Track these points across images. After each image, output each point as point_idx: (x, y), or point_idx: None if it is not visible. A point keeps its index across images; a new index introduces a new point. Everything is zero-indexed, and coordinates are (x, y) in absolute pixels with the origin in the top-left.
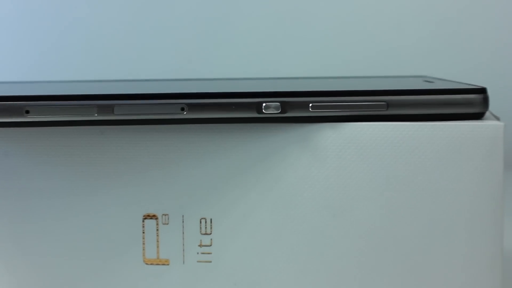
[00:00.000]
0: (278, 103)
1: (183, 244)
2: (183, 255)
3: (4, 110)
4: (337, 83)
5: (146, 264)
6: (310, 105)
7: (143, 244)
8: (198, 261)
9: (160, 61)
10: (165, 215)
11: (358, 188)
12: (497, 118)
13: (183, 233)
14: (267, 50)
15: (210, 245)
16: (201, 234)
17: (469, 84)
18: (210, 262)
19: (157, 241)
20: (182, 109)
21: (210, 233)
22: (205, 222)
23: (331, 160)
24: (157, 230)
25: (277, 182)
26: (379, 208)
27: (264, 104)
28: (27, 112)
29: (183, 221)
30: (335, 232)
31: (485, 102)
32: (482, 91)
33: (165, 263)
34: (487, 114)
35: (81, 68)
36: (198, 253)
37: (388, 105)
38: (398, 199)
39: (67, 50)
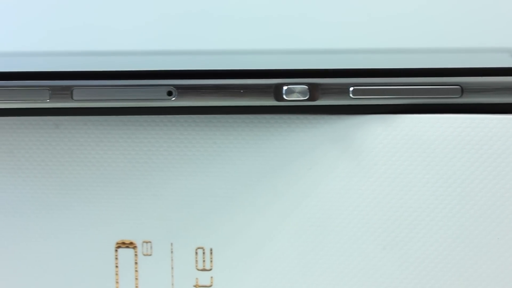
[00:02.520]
0: (305, 87)
1: (172, 284)
2: None
3: None
4: (386, 59)
5: None
6: (351, 89)
7: (116, 282)
8: None
9: (136, 28)
10: (147, 242)
11: (418, 206)
12: None
13: (172, 268)
14: (281, 14)
15: (210, 286)
16: (198, 270)
17: None
18: None
19: (136, 278)
20: (170, 93)
21: (210, 269)
22: (203, 253)
23: (380, 167)
24: (136, 263)
25: (303, 198)
26: (446, 233)
27: (285, 88)
28: None
29: (171, 251)
30: (384, 270)
31: None
32: None
33: None
34: None
35: (29, 36)
36: None
37: (463, 90)
38: (473, 221)
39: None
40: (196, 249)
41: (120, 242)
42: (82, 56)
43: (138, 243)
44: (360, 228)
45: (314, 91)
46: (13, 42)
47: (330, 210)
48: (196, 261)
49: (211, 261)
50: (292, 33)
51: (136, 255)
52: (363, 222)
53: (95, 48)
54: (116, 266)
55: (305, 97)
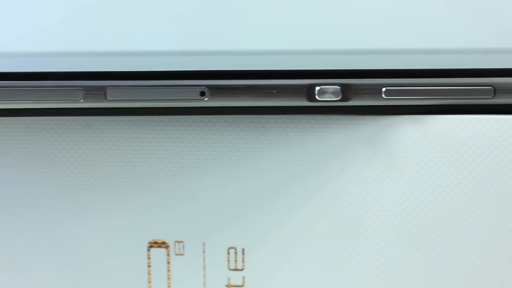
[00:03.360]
0: (338, 87)
1: (204, 284)
2: None
3: None
4: (418, 60)
5: None
6: (384, 90)
7: (149, 282)
8: None
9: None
10: (179, 242)
11: (450, 207)
12: None
13: (204, 267)
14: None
15: (242, 286)
16: (230, 269)
17: None
18: None
19: (168, 277)
20: (202, 93)
21: (242, 269)
22: (235, 253)
23: (413, 168)
24: (168, 262)
25: (336, 198)
26: (479, 234)
27: (317, 88)
28: None
29: (204, 251)
30: (417, 270)
31: None
32: None
33: None
34: None
35: (59, 38)
36: None
37: (496, 90)
38: (506, 221)
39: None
40: (228, 249)
41: (153, 241)
42: (116, 56)
43: (170, 243)
44: (393, 228)
45: (346, 92)
46: (48, 42)
47: (362, 210)
48: (228, 260)
49: (243, 261)
50: (325, 33)
51: (168, 254)
52: (396, 223)
53: (128, 48)
54: (149, 266)
55: (338, 97)
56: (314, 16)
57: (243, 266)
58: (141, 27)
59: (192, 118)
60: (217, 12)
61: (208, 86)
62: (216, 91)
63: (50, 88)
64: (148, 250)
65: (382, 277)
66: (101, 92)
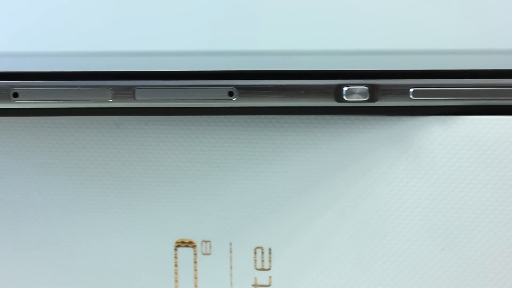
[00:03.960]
0: (366, 87)
1: (231, 283)
2: None
3: None
4: (446, 60)
5: None
6: (411, 90)
7: (176, 281)
8: None
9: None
10: (206, 241)
11: (477, 208)
12: None
13: (230, 267)
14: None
15: (269, 286)
16: (256, 269)
17: None
18: None
19: (195, 277)
20: (231, 93)
21: (269, 269)
22: (262, 252)
23: (440, 169)
24: (195, 262)
25: (363, 198)
26: (506, 235)
27: (345, 89)
28: (15, 95)
29: (230, 251)
30: (443, 271)
31: None
32: None
33: None
34: None
35: (89, 38)
36: None
37: None
38: None
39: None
40: (255, 249)
41: (180, 241)
42: (144, 56)
43: (197, 242)
44: (419, 229)
45: (374, 92)
46: (77, 42)
47: (389, 211)
48: (255, 260)
49: (270, 260)
50: (353, 34)
51: (195, 254)
52: (422, 223)
53: (157, 49)
54: (176, 265)
55: (365, 98)
56: (343, 17)
57: (270, 266)
58: (171, 27)
59: (220, 118)
60: (246, 12)
61: (237, 86)
62: (245, 91)
63: (80, 88)
64: (175, 249)
65: (409, 278)
66: (130, 92)
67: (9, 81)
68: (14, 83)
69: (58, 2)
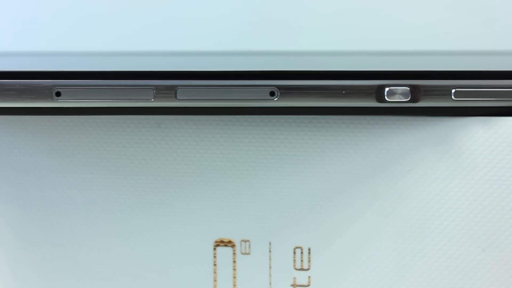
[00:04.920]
0: (407, 88)
1: (270, 283)
2: None
3: (27, 91)
4: (489, 61)
5: None
6: (453, 91)
7: (214, 280)
8: None
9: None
10: (245, 241)
11: None
12: None
13: (269, 267)
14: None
15: (308, 286)
16: (296, 269)
17: None
18: None
19: (234, 276)
20: (272, 93)
21: (308, 269)
22: (301, 252)
23: (481, 170)
24: (234, 261)
25: (404, 198)
26: None
27: (387, 89)
28: (58, 94)
29: (270, 251)
30: (483, 272)
31: None
32: None
33: None
34: None
35: (132, 38)
36: None
37: None
38: None
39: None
40: (294, 249)
41: (219, 240)
42: (186, 56)
43: (236, 242)
44: (460, 230)
45: (416, 93)
46: (120, 41)
47: (429, 211)
48: (294, 260)
49: (309, 260)
50: (395, 34)
51: (234, 253)
52: (463, 224)
53: (199, 48)
54: (215, 265)
55: (407, 98)
56: (384, 17)
57: (309, 265)
58: (213, 28)
59: (261, 118)
60: (288, 13)
61: (278, 86)
62: (286, 91)
63: (122, 87)
64: (215, 249)
65: (449, 279)
66: (172, 92)
67: (51, 80)
68: (57, 82)
69: (101, 3)
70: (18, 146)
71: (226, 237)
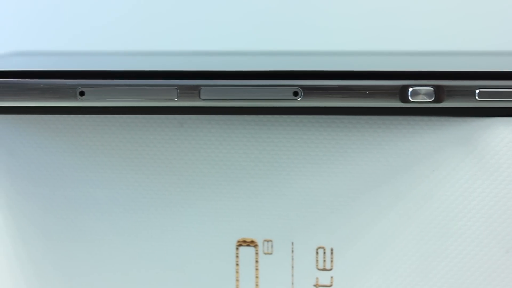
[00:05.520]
0: (431, 88)
1: (292, 283)
2: None
3: (51, 91)
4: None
5: None
6: (477, 91)
7: (237, 280)
8: None
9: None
10: (268, 241)
11: None
12: None
13: (292, 267)
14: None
15: (330, 286)
16: (318, 269)
17: None
18: None
19: (256, 276)
20: (296, 93)
21: (331, 269)
22: (324, 252)
23: (505, 170)
24: (256, 261)
25: (427, 199)
26: None
27: (410, 89)
28: (82, 94)
29: (292, 251)
30: (507, 273)
31: None
32: None
33: None
34: None
35: (156, 37)
36: None
37: None
38: None
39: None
40: (317, 249)
41: (241, 240)
42: (209, 56)
43: (259, 242)
44: (483, 231)
45: (439, 93)
46: (144, 41)
47: (453, 212)
48: (317, 260)
49: (331, 261)
50: (419, 35)
51: (256, 253)
52: (486, 225)
53: (222, 48)
54: (237, 264)
55: (431, 99)
56: (409, 18)
57: (332, 266)
58: (237, 28)
59: (284, 118)
60: (311, 14)
61: (302, 86)
62: (309, 91)
63: (146, 87)
64: (237, 248)
65: (472, 280)
66: (195, 91)
67: (75, 79)
68: (81, 82)
69: (125, 3)
70: (42, 145)
71: (248, 237)
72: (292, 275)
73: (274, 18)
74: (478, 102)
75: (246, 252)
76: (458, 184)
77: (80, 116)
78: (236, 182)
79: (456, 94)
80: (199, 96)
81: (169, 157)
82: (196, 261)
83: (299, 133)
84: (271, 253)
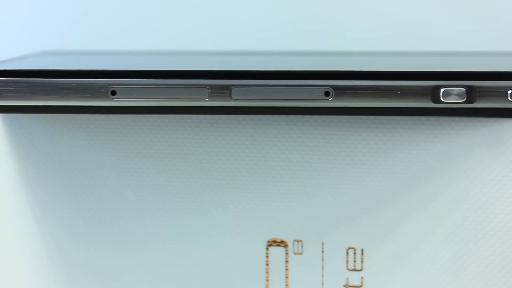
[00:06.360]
0: (463, 89)
1: (322, 283)
2: None
3: (83, 90)
4: None
5: None
6: (510, 92)
7: (267, 280)
8: None
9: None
10: (298, 241)
11: None
12: None
13: (322, 267)
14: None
15: (361, 286)
16: (348, 269)
17: None
18: None
19: (286, 276)
20: (327, 93)
21: (361, 269)
22: (354, 253)
23: None
24: (286, 261)
25: (458, 200)
26: None
27: (442, 90)
28: (113, 93)
29: (322, 251)
30: None
31: None
32: None
33: None
34: None
35: (187, 37)
36: None
37: None
38: None
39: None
40: (347, 249)
41: (272, 240)
42: (241, 55)
43: (289, 242)
44: None
45: (471, 94)
46: (175, 41)
47: (484, 213)
48: (347, 261)
49: (362, 261)
50: (451, 35)
51: (287, 253)
52: None
53: (254, 48)
54: (267, 264)
55: (463, 99)
56: (441, 18)
57: (362, 266)
58: (269, 28)
59: (314, 118)
60: (343, 13)
61: (333, 87)
62: (341, 91)
63: (177, 87)
64: (267, 248)
65: (504, 281)
66: (227, 91)
67: (107, 79)
68: (113, 81)
69: (157, 4)
70: (72, 144)
71: (278, 237)
72: (322, 275)
73: (306, 18)
74: (510, 103)
75: (276, 252)
76: (490, 185)
77: (111, 116)
78: (266, 182)
79: (488, 95)
80: (230, 96)
81: (199, 157)
82: (226, 261)
83: (330, 133)
84: (301, 253)
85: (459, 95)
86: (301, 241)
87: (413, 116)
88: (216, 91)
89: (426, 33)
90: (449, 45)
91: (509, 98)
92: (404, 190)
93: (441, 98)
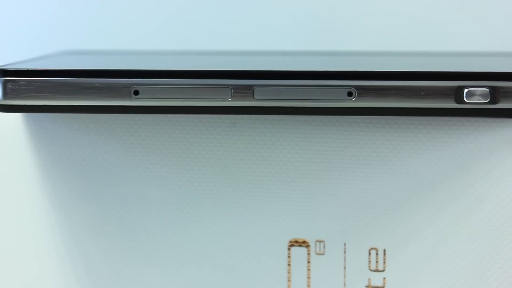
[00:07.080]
0: (487, 89)
1: (344, 284)
2: None
3: (106, 89)
4: None
5: None
6: None
7: (288, 280)
8: None
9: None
10: (320, 241)
11: None
12: None
13: (344, 267)
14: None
15: (383, 287)
16: (370, 270)
17: None
18: None
19: (308, 277)
20: (350, 94)
21: (383, 270)
22: (376, 253)
23: None
24: (308, 261)
25: (481, 201)
26: None
27: (466, 90)
28: (136, 93)
29: (344, 251)
30: None
31: None
32: None
33: None
34: None
35: (210, 37)
36: None
37: None
38: None
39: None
40: (370, 250)
41: (293, 240)
42: (264, 55)
43: (311, 242)
44: None
45: (495, 94)
46: (198, 41)
47: (507, 214)
48: (369, 261)
49: (384, 262)
50: (474, 35)
51: (308, 254)
52: None
53: (277, 48)
54: (289, 265)
55: (486, 100)
56: (465, 19)
57: (384, 267)
58: (292, 28)
59: (336, 118)
60: (366, 14)
61: (356, 87)
62: (364, 91)
63: (200, 86)
64: (289, 249)
65: None
66: (249, 91)
67: (130, 79)
68: (135, 81)
69: (181, 3)
70: (95, 144)
71: (300, 237)
72: (344, 276)
73: (329, 19)
74: None
75: (298, 252)
76: None
77: (133, 115)
78: (288, 182)
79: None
80: (253, 96)
81: (221, 156)
82: (248, 260)
83: (352, 134)
84: (323, 254)
85: (482, 95)
86: (323, 241)
87: (436, 117)
88: (239, 91)
89: (449, 32)
90: (471, 45)
91: None
92: (426, 191)
93: (465, 99)
